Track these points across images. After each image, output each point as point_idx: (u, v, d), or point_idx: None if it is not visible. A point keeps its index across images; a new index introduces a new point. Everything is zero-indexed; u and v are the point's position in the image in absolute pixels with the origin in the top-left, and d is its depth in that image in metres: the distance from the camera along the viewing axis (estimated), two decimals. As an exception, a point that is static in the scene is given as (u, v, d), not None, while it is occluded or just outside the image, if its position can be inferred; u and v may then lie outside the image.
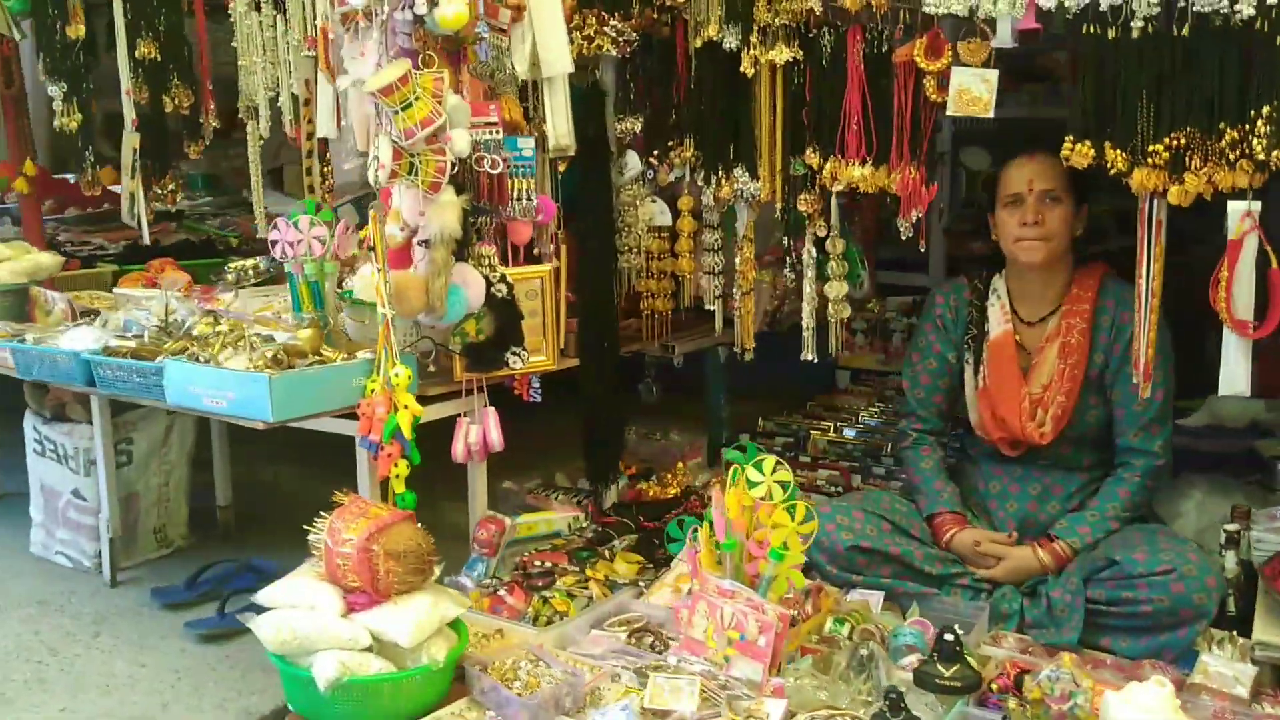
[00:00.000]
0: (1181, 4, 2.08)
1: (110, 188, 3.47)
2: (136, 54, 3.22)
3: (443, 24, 2.26)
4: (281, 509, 3.37)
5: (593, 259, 2.88)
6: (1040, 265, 2.58)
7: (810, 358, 2.72)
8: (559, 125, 2.65)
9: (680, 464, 3.32)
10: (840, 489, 3.24)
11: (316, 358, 2.36)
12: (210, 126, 3.43)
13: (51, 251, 3.22)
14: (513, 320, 2.52)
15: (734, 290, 2.83)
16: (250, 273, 3.64)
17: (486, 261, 2.50)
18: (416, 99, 2.21)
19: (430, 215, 2.32)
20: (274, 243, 2.53)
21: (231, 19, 3.32)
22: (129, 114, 3.22)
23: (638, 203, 2.90)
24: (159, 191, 3.32)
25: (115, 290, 3.29)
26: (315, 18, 3.13)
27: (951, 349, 2.73)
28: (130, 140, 3.21)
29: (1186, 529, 2.75)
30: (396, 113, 2.21)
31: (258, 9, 3.30)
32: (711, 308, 2.91)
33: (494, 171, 2.48)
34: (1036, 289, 2.64)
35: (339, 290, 2.67)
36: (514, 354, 2.53)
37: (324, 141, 3.16)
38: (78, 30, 3.05)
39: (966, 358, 2.70)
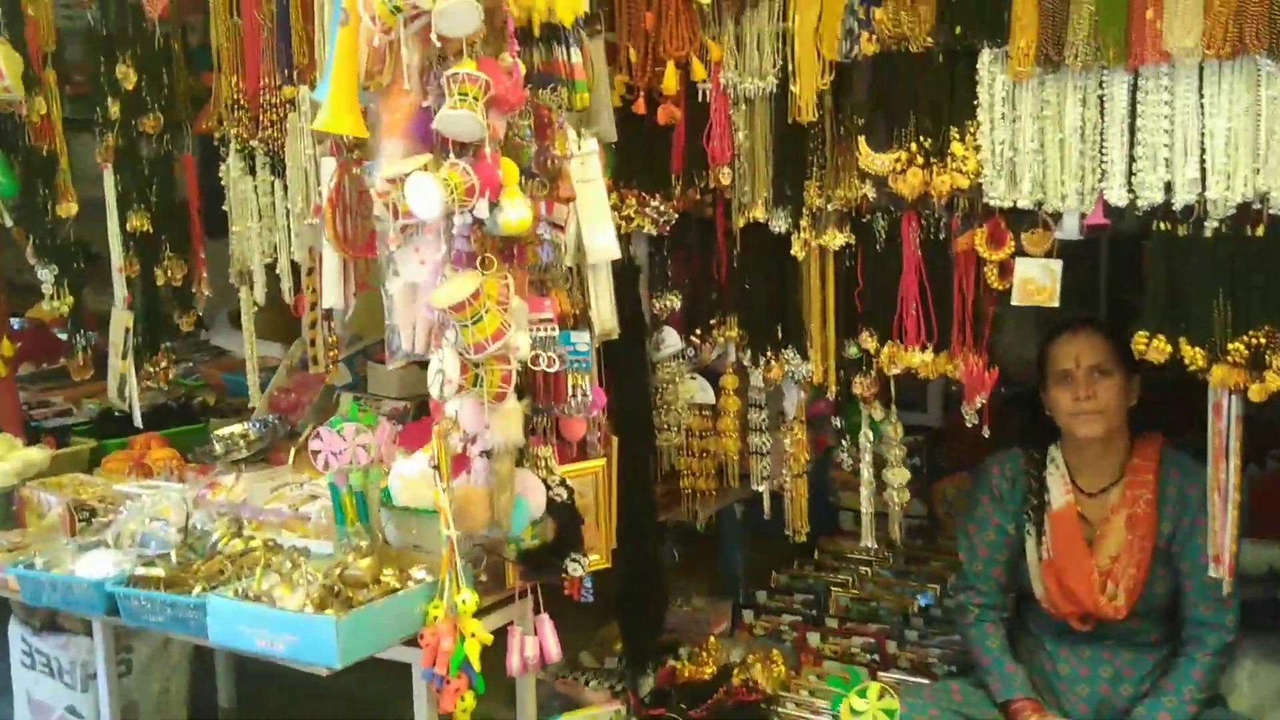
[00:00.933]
0: (1257, 206, 2.12)
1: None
2: (128, 227, 3.06)
3: (506, 228, 2.18)
4: (290, 711, 3.16)
5: (629, 436, 2.80)
6: (1099, 438, 2.58)
7: (869, 544, 2.67)
8: (604, 311, 2.58)
9: (712, 638, 3.21)
10: (877, 657, 3.18)
11: (377, 585, 2.21)
12: (203, 296, 3.27)
13: (39, 444, 3.00)
14: (573, 525, 2.41)
15: (783, 471, 2.77)
16: (241, 443, 3.48)
17: (544, 463, 2.40)
18: (487, 312, 2.11)
19: (494, 425, 2.21)
20: (315, 453, 2.39)
21: (223, 183, 3.21)
22: (120, 291, 3.06)
23: (677, 380, 2.83)
24: (150, 370, 3.13)
25: (101, 476, 3.08)
26: (319, 184, 3.06)
27: (1010, 520, 2.71)
28: (122, 319, 3.05)
29: (1241, 704, 2.75)
30: (466, 327, 2.11)
31: (252, 173, 3.19)
32: (759, 489, 2.84)
33: (551, 370, 2.38)
34: (1096, 460, 2.64)
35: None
36: (574, 560, 2.42)
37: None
38: (69, 208, 2.89)
39: (1027, 529, 2.68)
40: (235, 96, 3.17)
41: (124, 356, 3.05)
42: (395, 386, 3.60)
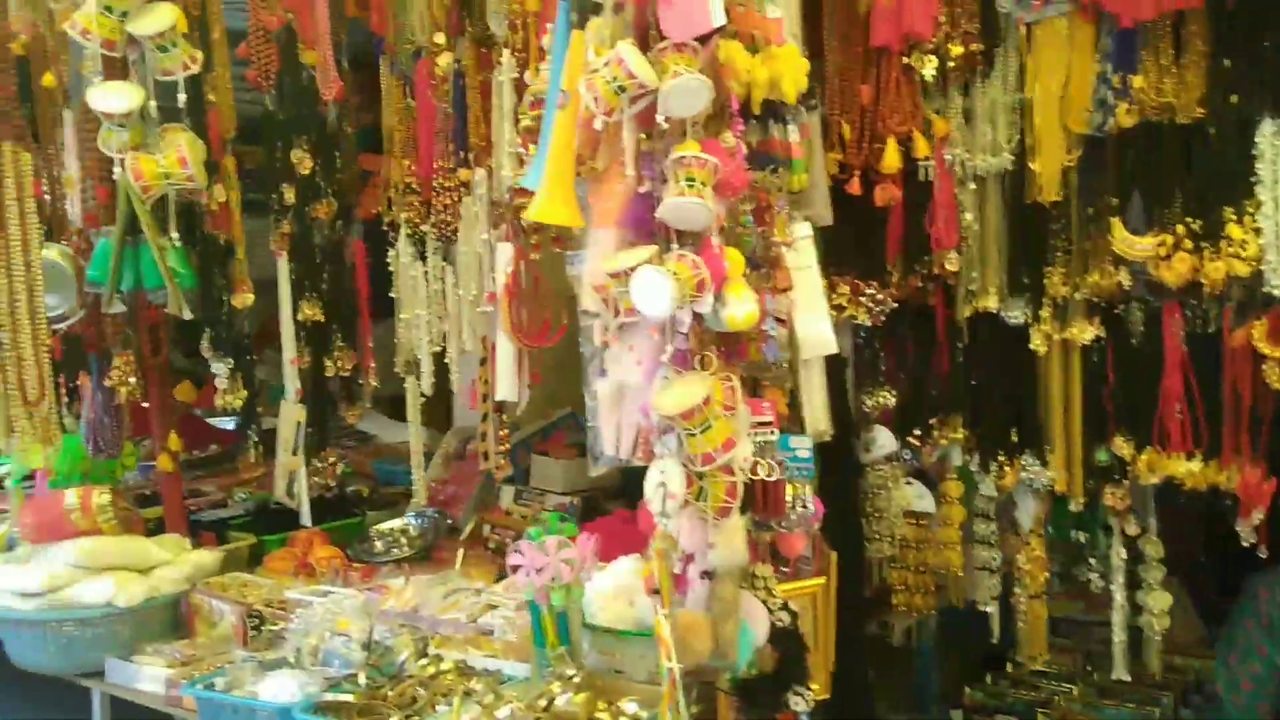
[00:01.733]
0: None
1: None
2: (299, 317, 2.95)
3: (731, 324, 1.99)
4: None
5: (836, 546, 2.55)
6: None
7: (1123, 677, 2.36)
8: (817, 410, 2.36)
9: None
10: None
11: (590, 723, 1.99)
12: (370, 388, 3.14)
13: (207, 545, 2.88)
14: (798, 654, 2.17)
15: (1016, 590, 2.49)
16: (402, 540, 3.33)
17: (763, 584, 2.17)
18: (716, 419, 1.91)
19: (719, 544, 1.99)
20: (515, 568, 2.19)
21: (391, 269, 3.10)
22: (291, 384, 2.95)
23: (890, 485, 2.58)
24: (319, 465, 3.00)
25: (264, 575, 2.94)
26: (493, 270, 2.92)
27: (1280, 653, 2.39)
28: (293, 413, 2.93)
29: None
30: (694, 435, 1.91)
31: (423, 259, 3.07)
32: (987, 609, 2.56)
33: (770, 479, 2.16)
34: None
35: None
36: (797, 694, 2.17)
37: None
38: (245, 299, 2.79)
39: (1304, 665, 2.35)
40: (407, 180, 3.07)
41: (294, 452, 2.93)
42: (560, 480, 3.42)
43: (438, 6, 2.97)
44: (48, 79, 2.79)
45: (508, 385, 2.87)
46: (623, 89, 1.91)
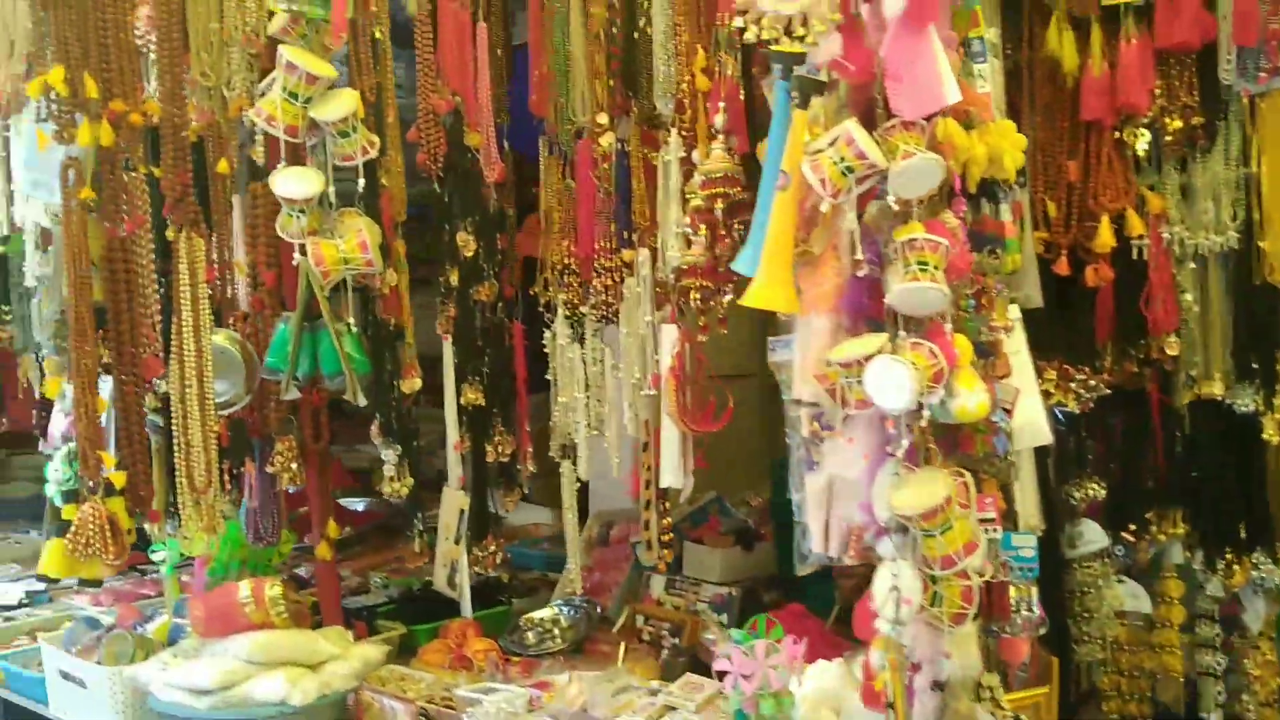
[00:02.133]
0: None
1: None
2: (461, 400, 2.90)
3: (961, 416, 1.87)
4: None
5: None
6: None
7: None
8: (1029, 503, 2.23)
9: None
10: None
11: None
12: (528, 472, 3.07)
13: (374, 639, 2.80)
14: (1030, 773, 2.01)
15: (1245, 697, 2.30)
16: (555, 631, 3.21)
17: (990, 694, 2.02)
18: (957, 520, 1.79)
19: (954, 653, 1.86)
20: (722, 674, 2.08)
21: (547, 351, 3.04)
22: (455, 470, 2.89)
23: (1100, 583, 2.42)
24: (479, 554, 2.92)
25: (419, 668, 2.86)
26: (654, 352, 2.85)
27: None
28: (456, 501, 2.86)
29: None
30: (933, 537, 1.79)
31: (580, 342, 3.01)
32: (1210, 717, 2.37)
33: (996, 580, 2.03)
34: None
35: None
36: (1029, 814, 2.01)
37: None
38: (413, 384, 2.75)
39: None
40: (565, 261, 3.03)
41: (456, 540, 2.85)
42: (717, 570, 3.28)
43: (601, 87, 2.94)
44: (223, 165, 2.81)
45: (673, 471, 2.79)
46: (850, 169, 1.83)
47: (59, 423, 2.78)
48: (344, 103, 2.51)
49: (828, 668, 2.23)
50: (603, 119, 2.92)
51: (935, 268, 1.82)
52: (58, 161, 2.64)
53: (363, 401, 2.56)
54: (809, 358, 2.00)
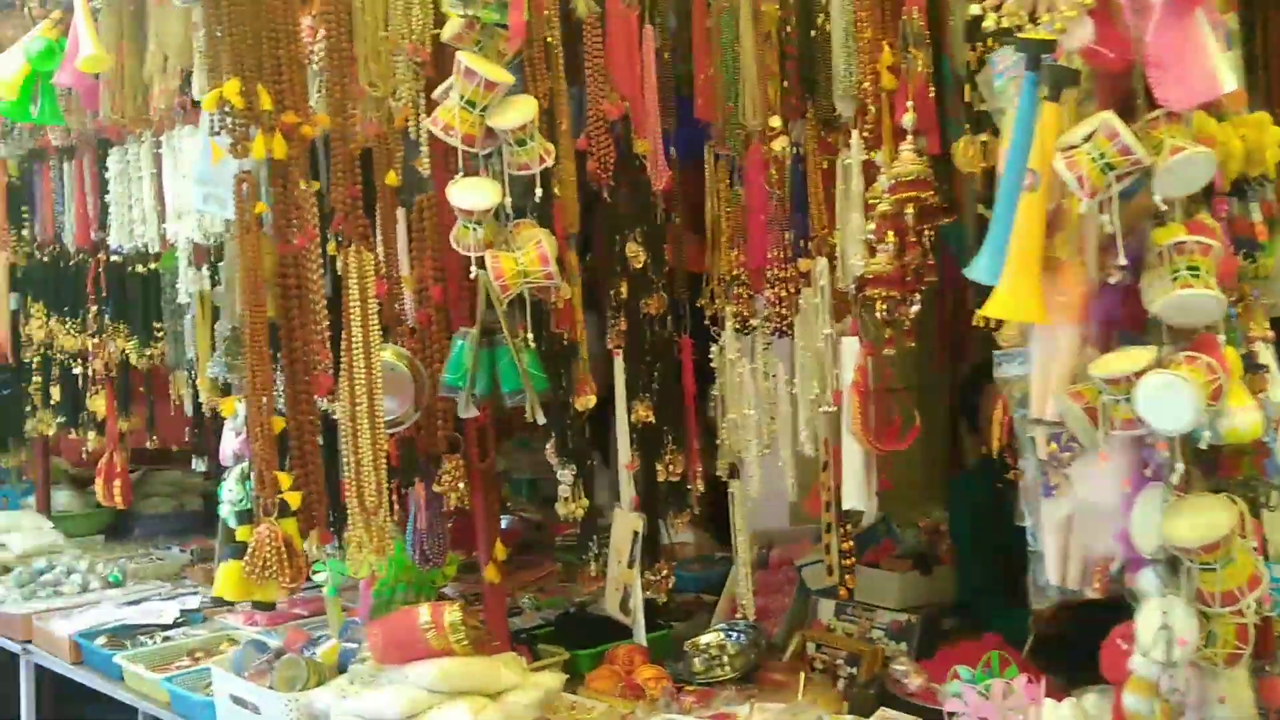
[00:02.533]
0: None
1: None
2: (632, 418, 2.80)
3: (1231, 437, 1.71)
4: None
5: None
6: None
7: None
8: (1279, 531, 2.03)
9: None
10: None
11: None
12: (697, 492, 2.95)
13: (544, 664, 2.72)
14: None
15: None
16: (724, 658, 3.08)
17: (1255, 743, 1.84)
18: (1240, 552, 1.62)
19: (1228, 696, 1.69)
20: (953, 714, 1.93)
21: (714, 366, 2.93)
22: (627, 491, 2.79)
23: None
24: (651, 578, 2.82)
25: (588, 696, 2.76)
26: (836, 367, 2.72)
27: None
28: (630, 522, 2.76)
29: None
30: (1212, 570, 1.62)
31: (750, 356, 2.89)
32: None
33: (1267, 615, 1.85)
34: None
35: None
36: None
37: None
38: (587, 401, 2.66)
39: None
40: (734, 272, 2.91)
41: (630, 565, 2.75)
42: (895, 595, 3.13)
43: (773, 89, 2.82)
44: (391, 178, 2.76)
45: (856, 493, 2.66)
46: (1110, 167, 1.68)
47: (230, 442, 2.74)
48: (522, 110, 2.43)
49: (1058, 709, 2.07)
50: (775, 122, 2.80)
51: (1207, 273, 1.66)
52: (230, 175, 2.61)
53: (541, 420, 2.47)
54: (1051, 373, 1.85)
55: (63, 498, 5.17)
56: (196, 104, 3.49)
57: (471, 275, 2.46)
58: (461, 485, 2.79)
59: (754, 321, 2.91)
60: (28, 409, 4.67)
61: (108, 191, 3.98)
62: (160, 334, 3.86)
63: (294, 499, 2.51)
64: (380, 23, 2.72)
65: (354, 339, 2.64)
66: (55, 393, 4.47)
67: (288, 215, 2.62)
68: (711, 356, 2.97)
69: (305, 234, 2.65)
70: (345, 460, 2.63)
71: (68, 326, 4.30)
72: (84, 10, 3.54)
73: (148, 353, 3.93)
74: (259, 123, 2.52)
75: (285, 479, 2.49)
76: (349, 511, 2.63)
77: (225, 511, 2.61)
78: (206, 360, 3.57)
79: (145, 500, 5.38)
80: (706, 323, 2.96)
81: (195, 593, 3.99)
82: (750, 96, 2.86)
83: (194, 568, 4.48)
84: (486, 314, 2.41)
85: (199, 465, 3.76)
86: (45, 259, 4.47)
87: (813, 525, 3.66)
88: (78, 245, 4.25)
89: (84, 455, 5.05)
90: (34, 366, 4.58)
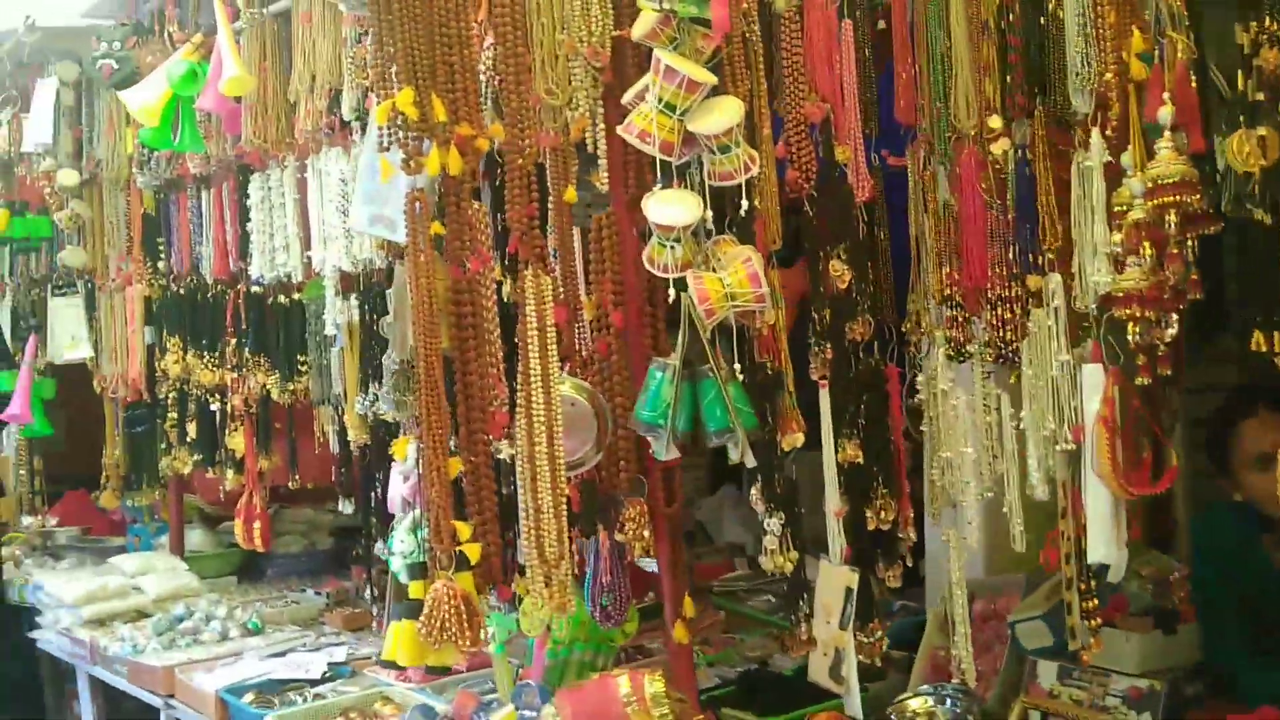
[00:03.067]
0: None
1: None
2: (839, 458, 2.51)
3: None
4: None
5: None
6: None
7: None
8: None
9: None
10: None
11: None
12: (910, 541, 2.64)
13: None
14: None
15: None
16: (934, 729, 2.76)
17: None
18: None
19: None
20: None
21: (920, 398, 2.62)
22: (836, 543, 2.49)
23: None
24: (864, 640, 2.51)
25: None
26: (1072, 397, 2.41)
27: None
28: (840, 578, 2.46)
29: None
30: None
31: (965, 386, 2.58)
32: None
33: None
34: None
35: None
36: None
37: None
38: (795, 440, 2.38)
39: None
40: (946, 291, 2.60)
41: (842, 625, 2.45)
42: (1134, 659, 2.76)
43: (991, 85, 2.53)
44: (569, 194, 2.52)
45: (1105, 543, 2.34)
46: None
47: (398, 486, 2.52)
48: (727, 112, 2.17)
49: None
50: (995, 122, 2.51)
51: None
52: (400, 194, 2.40)
53: (750, 462, 2.19)
54: None
55: (195, 537, 5.06)
56: (345, 124, 3.37)
57: (670, 297, 2.20)
58: (646, 533, 2.53)
59: (970, 347, 2.61)
60: (162, 446, 4.58)
61: (248, 220, 3.86)
62: (304, 368, 3.70)
63: (473, 551, 2.27)
64: (557, 24, 2.50)
65: (531, 371, 2.40)
66: (191, 429, 4.36)
67: (461, 237, 2.40)
68: (918, 387, 2.68)
69: (480, 257, 2.42)
70: (523, 507, 2.40)
71: (206, 361, 4.18)
72: (227, 31, 3.41)
73: (290, 387, 3.76)
74: (434, 136, 2.30)
75: (464, 529, 2.26)
76: (527, 564, 2.39)
77: (396, 565, 2.38)
78: (354, 395, 3.40)
79: (277, 539, 5.24)
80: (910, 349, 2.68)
81: (340, 643, 3.80)
82: (964, 94, 2.57)
83: (332, 613, 4.30)
84: (689, 342, 2.14)
85: (345, 507, 3.57)
86: (181, 291, 4.37)
87: (1012, 575, 3.33)
88: (216, 276, 4.12)
89: (222, 494, 4.99)
90: (169, 403, 4.47)
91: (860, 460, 2.54)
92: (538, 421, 2.40)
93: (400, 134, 2.28)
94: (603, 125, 2.57)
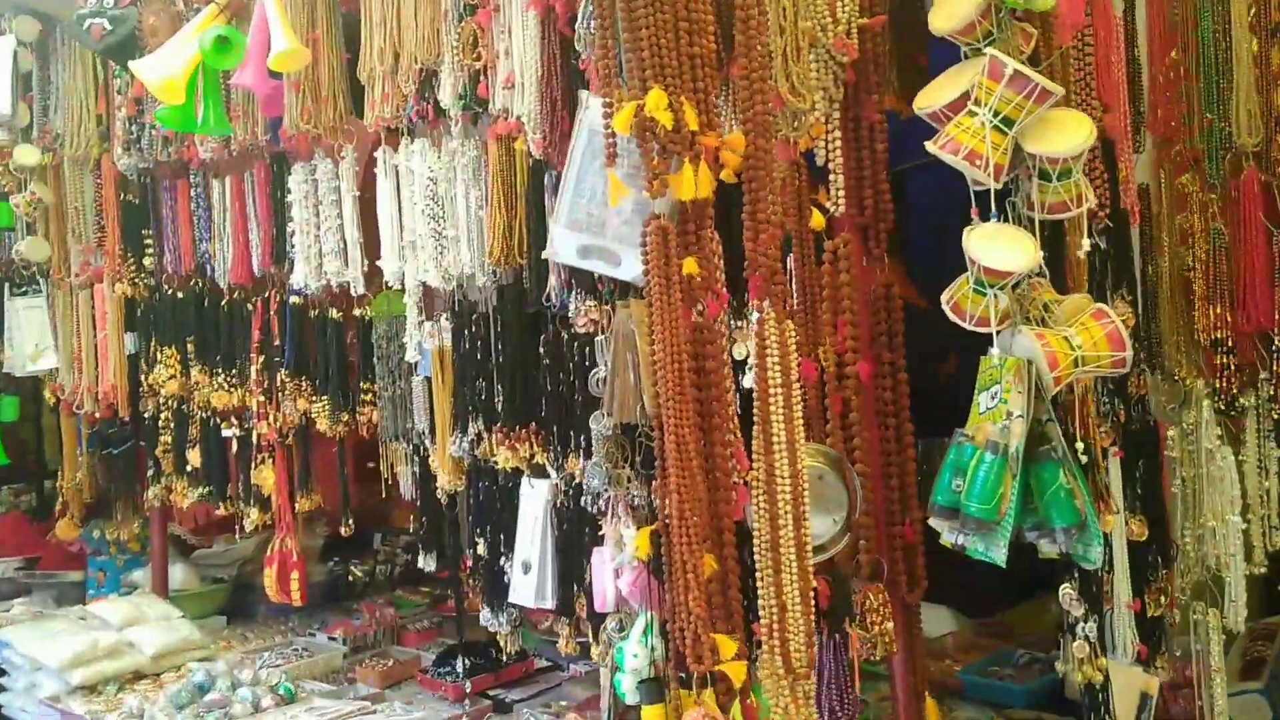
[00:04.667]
0: None
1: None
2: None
3: None
4: None
5: None
6: None
7: None
8: None
9: None
10: None
11: None
12: (1178, 631, 2.32)
13: None
14: None
15: None
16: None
17: None
18: None
19: None
20: None
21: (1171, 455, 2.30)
22: (1127, 636, 2.14)
23: None
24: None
25: None
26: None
27: None
28: (1134, 681, 2.11)
29: None
30: None
31: (1236, 444, 2.27)
32: None
33: None
34: None
35: None
36: None
37: None
38: (1108, 524, 1.99)
39: None
40: (1213, 335, 2.28)
41: None
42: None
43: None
44: (817, 219, 2.10)
45: None
46: None
47: (607, 580, 2.06)
48: (1078, 132, 1.78)
49: None
50: (1288, 139, 2.19)
51: None
52: (617, 221, 1.95)
53: (1095, 562, 1.82)
54: None
55: (175, 572, 4.44)
56: (442, 112, 2.85)
57: (992, 359, 1.81)
58: (890, 626, 2.15)
59: (1244, 400, 2.30)
60: (150, 473, 3.97)
61: (283, 217, 3.31)
62: (368, 396, 3.18)
63: (737, 672, 1.85)
64: (801, 7, 2.07)
65: (774, 439, 1.99)
66: (193, 457, 3.77)
67: (703, 273, 1.95)
68: (1170, 443, 2.36)
69: (719, 296, 1.98)
70: (763, 604, 1.98)
71: (220, 379, 3.60)
72: (276, -5, 2.87)
73: (343, 417, 3.24)
74: (684, 149, 1.85)
75: (728, 644, 1.83)
76: (766, 674, 1.98)
77: (627, 684, 1.93)
78: (447, 435, 2.90)
79: (262, 571, 4.69)
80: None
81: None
82: (1244, 106, 2.24)
83: (364, 667, 3.79)
84: (1036, 415, 1.75)
85: (428, 564, 3.06)
86: (180, 295, 3.76)
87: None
88: (234, 281, 3.54)
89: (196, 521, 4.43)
90: (160, 424, 3.87)
91: (1144, 538, 2.19)
92: (782, 500, 1.99)
93: (655, 146, 1.82)
94: (838, 134, 2.16)
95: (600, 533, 2.54)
